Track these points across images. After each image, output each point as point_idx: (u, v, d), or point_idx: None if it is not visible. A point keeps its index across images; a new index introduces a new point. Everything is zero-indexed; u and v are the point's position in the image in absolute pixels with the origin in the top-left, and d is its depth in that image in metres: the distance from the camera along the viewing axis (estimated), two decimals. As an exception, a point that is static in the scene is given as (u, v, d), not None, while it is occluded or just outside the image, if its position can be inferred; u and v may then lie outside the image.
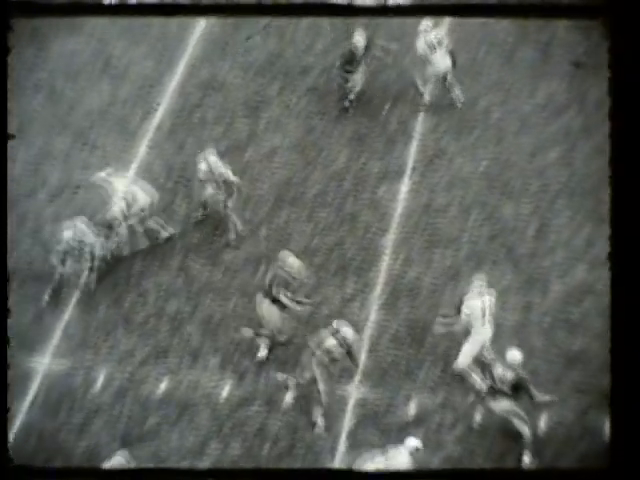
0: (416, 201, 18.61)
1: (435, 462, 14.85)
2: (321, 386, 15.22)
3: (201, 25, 22.12)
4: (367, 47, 19.42)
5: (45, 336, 16.57)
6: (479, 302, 15.45)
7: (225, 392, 15.80)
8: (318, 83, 20.56)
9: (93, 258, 17.07)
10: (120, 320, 16.77)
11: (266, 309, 16.09)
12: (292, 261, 15.98)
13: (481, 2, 15.58)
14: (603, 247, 16.54)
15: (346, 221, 18.26)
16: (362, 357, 16.11)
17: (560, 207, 18.42)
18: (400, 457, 13.94)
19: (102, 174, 17.70)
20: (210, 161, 17.46)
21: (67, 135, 19.87)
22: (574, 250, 17.69)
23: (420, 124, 19.95)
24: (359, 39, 19.26)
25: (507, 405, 14.90)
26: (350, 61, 19.51)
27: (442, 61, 19.44)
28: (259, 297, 16.12)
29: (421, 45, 19.48)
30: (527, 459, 14.96)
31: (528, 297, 16.70)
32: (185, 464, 14.99)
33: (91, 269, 17.07)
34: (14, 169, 18.53)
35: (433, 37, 19.51)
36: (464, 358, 15.56)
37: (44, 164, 18.83)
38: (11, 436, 15.04)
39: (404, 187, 18.87)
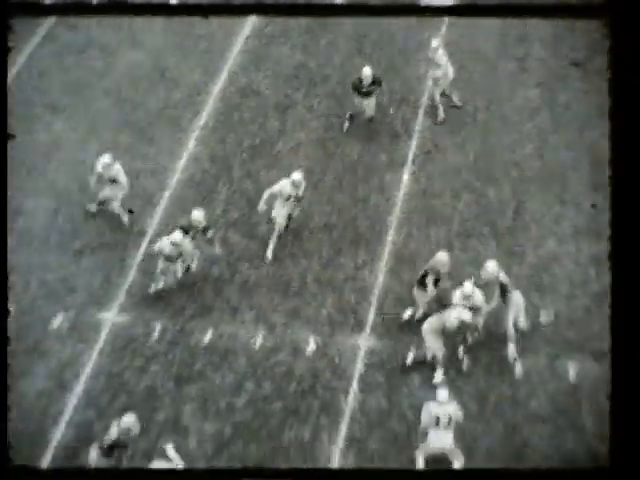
0: (416, 187, 19.57)
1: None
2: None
3: (240, 41, 23.06)
4: (374, 80, 19.87)
5: (112, 295, 17.41)
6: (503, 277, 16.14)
7: (258, 342, 16.71)
8: (336, 89, 21.48)
9: (187, 267, 17.45)
10: (173, 283, 17.40)
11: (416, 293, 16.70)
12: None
13: (482, 2, 14.69)
14: (568, 225, 18.73)
15: (358, 203, 19.24)
16: (371, 314, 17.02)
17: (533, 192, 19.48)
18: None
19: (105, 161, 17.96)
20: (295, 178, 17.75)
21: (130, 132, 20.88)
22: (545, 227, 18.72)
23: (419, 123, 20.93)
24: (367, 70, 19.78)
25: (520, 297, 16.01)
26: (357, 87, 20.01)
27: (451, 70, 20.45)
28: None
29: (443, 57, 20.30)
30: (511, 350, 15.95)
31: (508, 265, 17.16)
32: (225, 401, 15.70)
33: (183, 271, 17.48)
34: (87, 159, 19.49)
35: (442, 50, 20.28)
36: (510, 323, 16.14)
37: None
38: (83, 379, 15.99)
39: (406, 175, 19.84)
